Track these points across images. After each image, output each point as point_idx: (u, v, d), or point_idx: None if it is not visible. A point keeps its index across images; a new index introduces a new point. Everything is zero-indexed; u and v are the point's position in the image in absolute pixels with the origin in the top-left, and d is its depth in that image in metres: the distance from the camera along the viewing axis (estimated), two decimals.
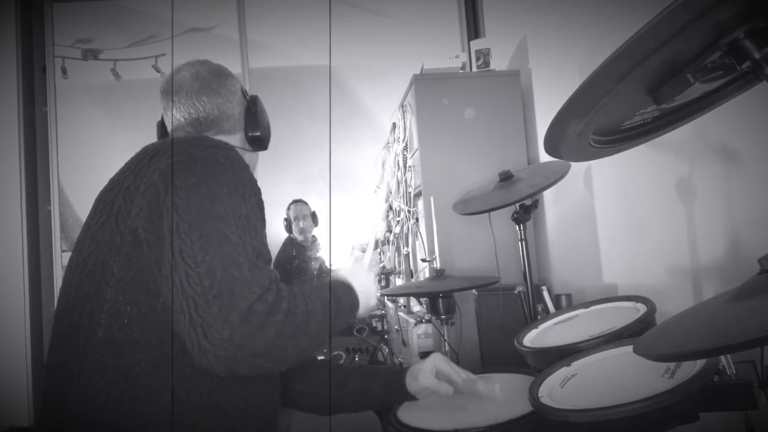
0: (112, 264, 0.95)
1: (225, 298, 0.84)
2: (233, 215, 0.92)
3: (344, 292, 1.07)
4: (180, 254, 0.87)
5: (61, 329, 1.01)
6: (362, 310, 1.11)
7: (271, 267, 1.00)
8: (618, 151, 0.97)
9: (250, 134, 1.27)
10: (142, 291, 0.93)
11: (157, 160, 0.99)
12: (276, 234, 3.79)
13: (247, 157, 1.24)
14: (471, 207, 1.82)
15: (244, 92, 1.29)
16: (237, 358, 0.83)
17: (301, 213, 3.75)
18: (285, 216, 3.76)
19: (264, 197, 1.03)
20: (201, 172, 0.95)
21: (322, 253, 3.83)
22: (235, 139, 1.25)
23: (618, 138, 0.92)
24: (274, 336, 0.86)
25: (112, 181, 1.06)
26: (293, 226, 3.73)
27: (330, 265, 3.87)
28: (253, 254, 0.91)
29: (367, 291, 1.12)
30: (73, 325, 0.98)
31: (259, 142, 1.28)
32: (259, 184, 1.03)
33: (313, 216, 3.79)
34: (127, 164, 1.07)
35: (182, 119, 1.20)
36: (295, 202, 3.77)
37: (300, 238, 3.74)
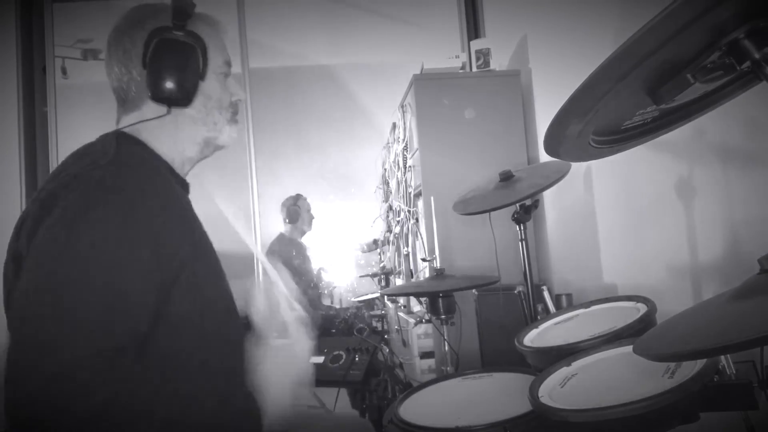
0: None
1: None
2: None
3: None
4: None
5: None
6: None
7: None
8: (618, 151, 0.97)
9: (152, 96, 1.01)
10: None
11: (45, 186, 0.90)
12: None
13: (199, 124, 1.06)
14: (471, 207, 1.82)
15: (153, 39, 1.00)
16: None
17: (308, 206, 3.81)
18: (292, 205, 3.76)
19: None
20: (70, 223, 0.84)
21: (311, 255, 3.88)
22: (149, 109, 1.04)
23: (618, 138, 0.92)
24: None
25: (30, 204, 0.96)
26: (302, 217, 3.75)
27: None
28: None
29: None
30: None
31: (173, 99, 1.01)
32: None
33: None
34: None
35: None
36: (299, 195, 3.80)
37: (306, 229, 3.78)
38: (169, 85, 1.00)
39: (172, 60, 1.01)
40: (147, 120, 1.04)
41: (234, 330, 1.08)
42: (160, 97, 1.01)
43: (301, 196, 3.81)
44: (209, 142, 1.10)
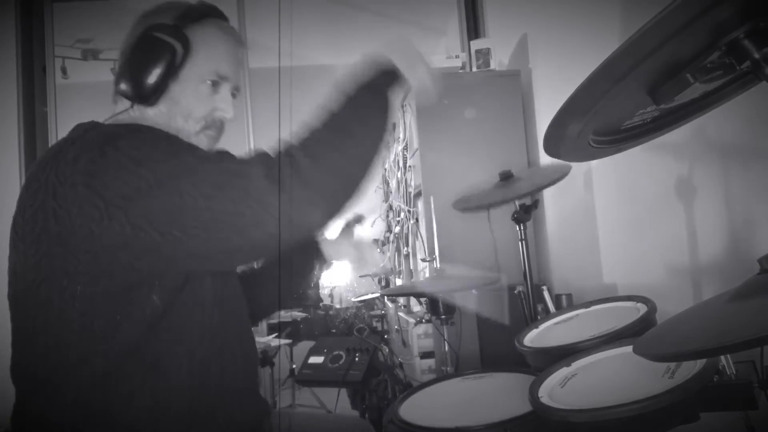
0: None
1: None
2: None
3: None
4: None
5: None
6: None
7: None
8: (618, 151, 0.97)
9: (115, 89, 1.00)
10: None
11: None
12: None
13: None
14: (471, 203, 1.82)
15: (140, 34, 0.98)
16: None
17: None
18: None
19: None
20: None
21: None
22: (118, 106, 1.04)
23: (618, 138, 0.92)
24: None
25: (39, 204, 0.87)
26: None
27: None
28: None
29: None
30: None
31: (132, 95, 0.98)
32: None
33: None
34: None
35: None
36: None
37: None
38: (130, 80, 0.97)
39: (141, 56, 0.97)
40: (116, 114, 1.02)
41: (242, 318, 1.11)
42: (120, 91, 0.98)
43: None
44: None
